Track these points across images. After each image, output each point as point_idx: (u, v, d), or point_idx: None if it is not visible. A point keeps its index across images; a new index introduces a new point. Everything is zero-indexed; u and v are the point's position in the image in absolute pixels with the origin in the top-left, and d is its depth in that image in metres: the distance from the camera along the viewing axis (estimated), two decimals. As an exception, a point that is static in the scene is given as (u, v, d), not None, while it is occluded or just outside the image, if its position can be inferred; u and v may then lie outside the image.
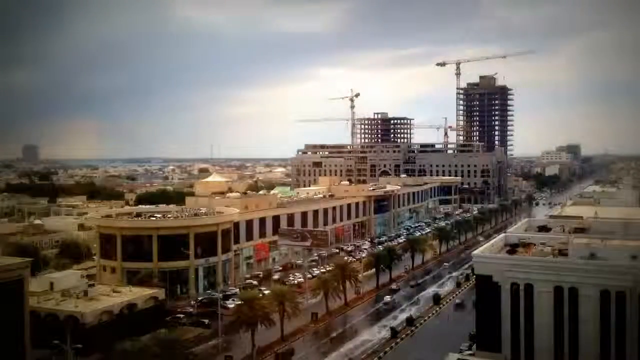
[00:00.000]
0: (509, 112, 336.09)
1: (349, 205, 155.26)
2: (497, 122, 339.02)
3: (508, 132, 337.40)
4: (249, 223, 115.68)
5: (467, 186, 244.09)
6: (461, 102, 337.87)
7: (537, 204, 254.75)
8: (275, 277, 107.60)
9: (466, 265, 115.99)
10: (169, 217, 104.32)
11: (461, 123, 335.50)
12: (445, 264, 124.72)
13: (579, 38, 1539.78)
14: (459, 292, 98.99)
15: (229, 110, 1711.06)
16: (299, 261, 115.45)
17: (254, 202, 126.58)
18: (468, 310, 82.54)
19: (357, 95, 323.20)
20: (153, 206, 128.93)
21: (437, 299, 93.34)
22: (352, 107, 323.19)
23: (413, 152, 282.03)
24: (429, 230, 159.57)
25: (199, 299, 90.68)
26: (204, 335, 75.18)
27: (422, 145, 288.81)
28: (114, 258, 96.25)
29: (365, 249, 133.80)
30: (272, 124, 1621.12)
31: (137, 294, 77.36)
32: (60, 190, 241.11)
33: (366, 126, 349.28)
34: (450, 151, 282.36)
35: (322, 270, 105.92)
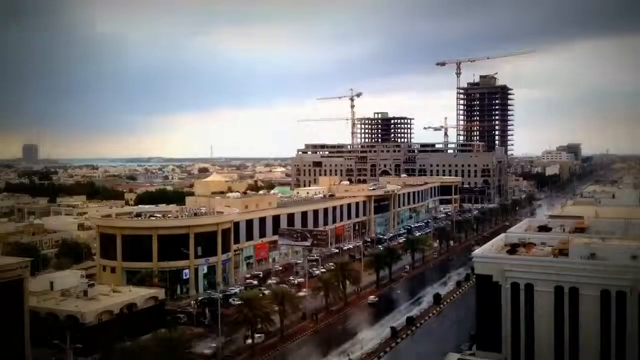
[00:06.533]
0: (509, 112, 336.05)
1: (349, 205, 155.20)
2: (497, 122, 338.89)
3: (508, 132, 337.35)
4: (249, 223, 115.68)
5: (467, 186, 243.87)
6: (461, 101, 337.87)
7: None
8: (275, 277, 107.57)
9: (465, 265, 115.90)
10: (169, 217, 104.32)
11: (461, 123, 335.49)
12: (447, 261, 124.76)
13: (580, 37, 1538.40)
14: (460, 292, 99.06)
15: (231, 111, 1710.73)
16: (299, 261, 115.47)
17: (254, 202, 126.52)
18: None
19: (359, 94, 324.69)
20: (153, 206, 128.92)
21: (437, 298, 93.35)
22: (352, 106, 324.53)
23: (413, 151, 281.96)
24: (429, 230, 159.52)
25: (199, 299, 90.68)
26: (204, 335, 75.15)
27: (422, 145, 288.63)
28: (114, 258, 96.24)
29: (365, 248, 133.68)
30: (273, 124, 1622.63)
31: (137, 294, 77.26)
32: (60, 190, 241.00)
33: (366, 126, 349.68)
34: (450, 151, 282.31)
35: (322, 270, 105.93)
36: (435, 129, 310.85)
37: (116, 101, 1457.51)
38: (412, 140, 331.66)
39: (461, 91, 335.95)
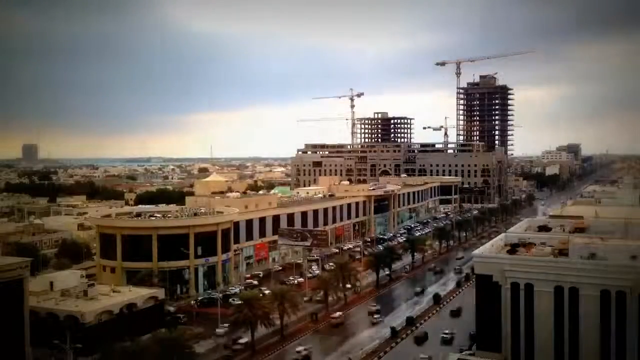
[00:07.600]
0: (509, 112, 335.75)
1: (349, 205, 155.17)
2: (497, 122, 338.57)
3: (508, 132, 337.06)
4: (249, 223, 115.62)
5: (467, 186, 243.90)
6: (461, 101, 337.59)
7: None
8: (275, 276, 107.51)
9: (465, 265, 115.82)
10: (169, 217, 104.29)
11: (461, 123, 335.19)
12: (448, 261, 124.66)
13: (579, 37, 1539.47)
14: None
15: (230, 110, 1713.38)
16: (298, 261, 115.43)
17: (254, 202, 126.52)
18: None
19: (360, 94, 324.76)
20: (153, 206, 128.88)
21: (437, 298, 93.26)
22: (352, 106, 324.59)
23: (413, 151, 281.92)
24: (429, 229, 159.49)
25: (199, 298, 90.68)
26: (204, 335, 75.08)
27: (422, 145, 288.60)
28: (113, 258, 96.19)
29: (365, 248, 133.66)
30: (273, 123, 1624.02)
31: (137, 294, 77.20)
32: (60, 190, 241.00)
33: (366, 126, 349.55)
34: (450, 151, 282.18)
35: (322, 270, 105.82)
36: (435, 129, 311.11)
37: (118, 101, 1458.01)
38: (412, 140, 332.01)
39: (461, 91, 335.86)
